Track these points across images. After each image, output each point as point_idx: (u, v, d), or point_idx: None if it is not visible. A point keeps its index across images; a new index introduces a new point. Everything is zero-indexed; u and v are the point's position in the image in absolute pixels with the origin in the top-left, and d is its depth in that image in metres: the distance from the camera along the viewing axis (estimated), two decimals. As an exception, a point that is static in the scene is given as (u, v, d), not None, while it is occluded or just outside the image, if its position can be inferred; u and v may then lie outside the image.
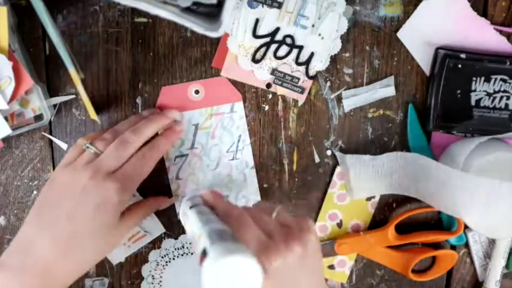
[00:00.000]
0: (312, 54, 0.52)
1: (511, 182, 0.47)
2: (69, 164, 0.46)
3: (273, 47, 0.52)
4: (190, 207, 0.43)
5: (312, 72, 0.53)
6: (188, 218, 0.42)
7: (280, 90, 0.54)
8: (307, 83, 0.54)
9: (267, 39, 0.51)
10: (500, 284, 0.59)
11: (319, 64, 0.52)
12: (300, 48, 0.52)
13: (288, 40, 0.51)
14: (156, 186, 0.55)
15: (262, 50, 0.52)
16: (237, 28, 0.51)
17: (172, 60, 0.53)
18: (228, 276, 0.32)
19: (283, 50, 0.52)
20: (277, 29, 0.51)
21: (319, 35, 0.51)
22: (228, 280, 0.32)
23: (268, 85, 0.54)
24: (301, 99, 0.54)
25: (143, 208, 0.51)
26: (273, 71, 0.53)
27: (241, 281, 0.32)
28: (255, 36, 0.51)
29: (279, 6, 0.50)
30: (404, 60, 0.54)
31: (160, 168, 0.54)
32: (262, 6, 0.50)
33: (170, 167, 0.55)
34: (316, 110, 0.55)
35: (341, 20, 0.51)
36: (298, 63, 0.52)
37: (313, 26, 0.51)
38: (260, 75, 0.53)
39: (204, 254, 0.33)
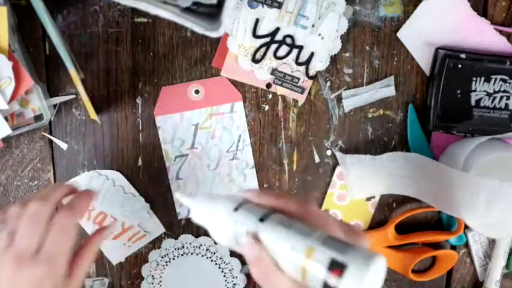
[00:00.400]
0: (312, 54, 0.52)
1: (511, 182, 0.47)
2: None
3: (273, 47, 0.52)
4: (261, 220, 0.34)
5: (312, 72, 0.53)
6: (266, 234, 0.34)
7: (280, 90, 0.54)
8: (307, 83, 0.54)
9: (267, 39, 0.51)
10: (500, 284, 0.59)
11: (319, 64, 0.52)
12: (300, 48, 0.52)
13: (288, 40, 0.51)
14: (156, 186, 0.55)
15: (262, 50, 0.52)
16: (237, 28, 0.51)
17: (172, 60, 0.53)
18: (370, 279, 0.30)
19: (283, 50, 0.52)
20: (277, 29, 0.51)
21: (319, 35, 0.51)
22: (369, 283, 0.30)
23: (268, 85, 0.54)
24: (301, 99, 0.54)
25: (90, 248, 0.46)
26: (273, 71, 0.53)
27: (377, 279, 0.31)
28: (255, 36, 0.51)
29: (279, 6, 0.50)
30: (404, 60, 0.54)
31: (160, 168, 0.54)
32: (262, 6, 0.50)
33: (170, 167, 0.55)
34: (316, 110, 0.55)
35: (341, 20, 0.51)
36: (298, 63, 0.52)
37: (313, 26, 0.51)
38: (260, 75, 0.53)
39: (336, 267, 0.30)
